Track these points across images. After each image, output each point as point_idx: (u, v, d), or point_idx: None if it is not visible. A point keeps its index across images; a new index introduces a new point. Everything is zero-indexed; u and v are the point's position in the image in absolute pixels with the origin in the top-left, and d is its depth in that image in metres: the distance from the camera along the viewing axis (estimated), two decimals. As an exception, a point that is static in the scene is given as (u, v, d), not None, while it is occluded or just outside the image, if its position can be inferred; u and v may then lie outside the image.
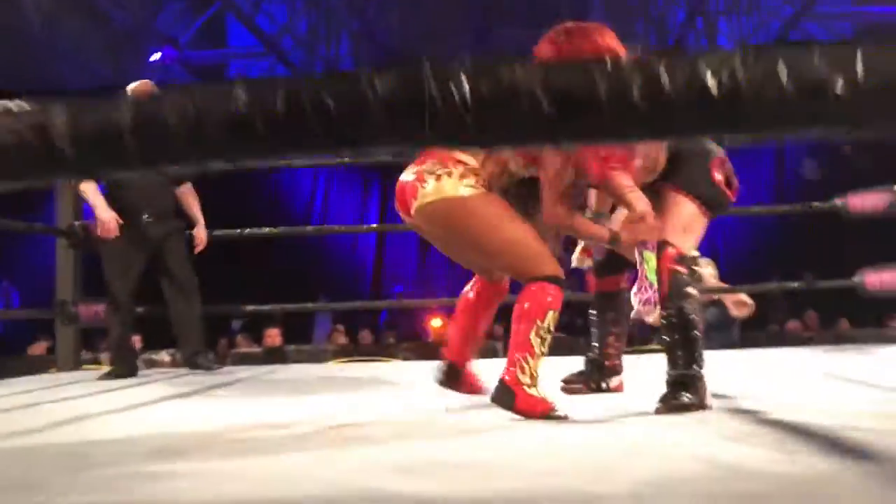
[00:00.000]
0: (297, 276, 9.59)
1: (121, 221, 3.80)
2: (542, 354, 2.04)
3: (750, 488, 1.28)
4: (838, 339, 5.39)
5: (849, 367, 3.19)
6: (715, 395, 2.20)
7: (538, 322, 2.03)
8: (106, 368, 4.08)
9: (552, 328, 2.06)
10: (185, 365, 4.07)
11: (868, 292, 4.08)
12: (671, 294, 2.15)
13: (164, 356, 6.14)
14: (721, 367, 2.74)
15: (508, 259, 2.14)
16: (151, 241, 3.89)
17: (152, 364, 5.64)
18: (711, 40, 10.65)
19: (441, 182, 2.12)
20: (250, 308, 5.16)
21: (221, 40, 11.02)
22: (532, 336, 2.02)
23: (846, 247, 6.78)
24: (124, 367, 3.78)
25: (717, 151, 2.29)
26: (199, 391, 3.08)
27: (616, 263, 2.60)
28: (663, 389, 2.14)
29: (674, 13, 10.65)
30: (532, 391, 2.02)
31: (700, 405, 2.07)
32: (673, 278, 2.16)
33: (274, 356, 6.17)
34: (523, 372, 2.02)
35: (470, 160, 2.16)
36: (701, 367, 2.13)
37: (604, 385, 2.59)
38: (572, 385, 2.60)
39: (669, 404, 2.06)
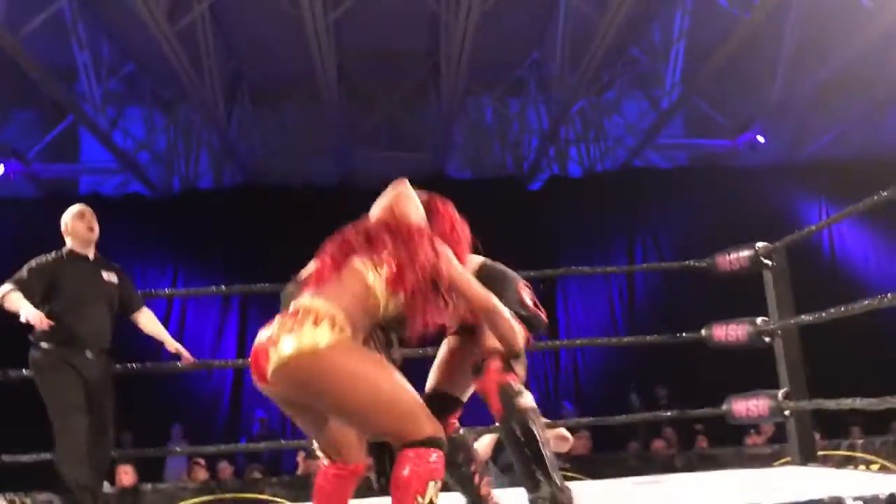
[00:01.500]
0: (149, 401, 9.02)
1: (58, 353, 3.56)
2: None
3: None
4: (701, 459, 5.57)
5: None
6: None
7: (419, 498, 1.79)
8: None
9: (434, 500, 1.82)
10: None
11: (735, 419, 4.27)
12: (506, 408, 2.17)
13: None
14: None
15: (380, 418, 1.86)
16: (89, 383, 3.61)
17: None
18: (563, 167, 11.27)
19: (295, 333, 1.87)
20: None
21: (74, 155, 10.58)
22: None
23: (701, 365, 7.12)
24: None
25: (518, 276, 2.41)
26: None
27: (446, 404, 2.50)
28: None
29: (528, 140, 11.21)
30: None
31: None
32: (503, 391, 2.18)
33: (128, 496, 5.70)
34: None
35: (326, 305, 1.94)
36: (560, 481, 2.11)
37: None
38: None
39: None
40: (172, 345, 3.94)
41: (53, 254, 3.82)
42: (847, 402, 3.65)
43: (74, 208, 3.87)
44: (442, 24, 8.19)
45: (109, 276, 3.83)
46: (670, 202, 10.16)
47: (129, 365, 4.16)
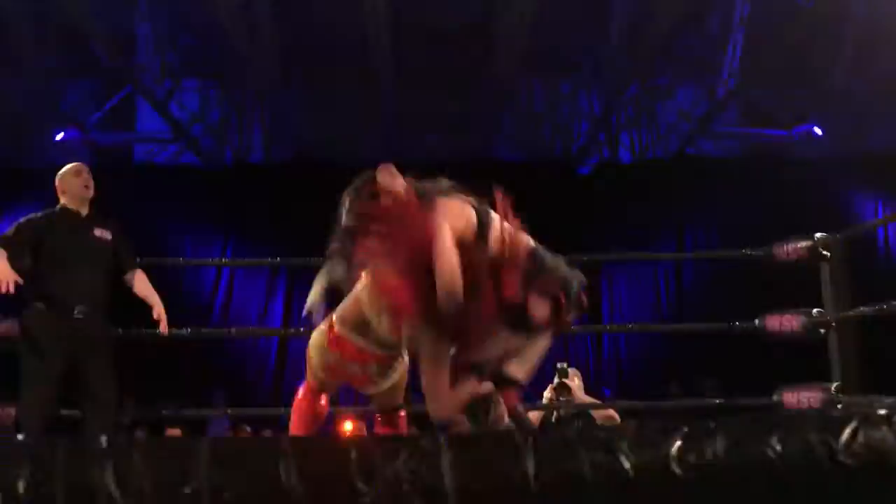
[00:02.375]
0: (194, 370, 9.21)
1: (47, 313, 3.51)
2: None
3: None
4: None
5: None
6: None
7: None
8: None
9: None
10: None
11: (785, 411, 4.23)
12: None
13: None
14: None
15: None
16: (78, 344, 3.54)
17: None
18: (613, 152, 11.17)
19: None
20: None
21: (130, 123, 10.77)
22: None
23: (749, 360, 7.04)
24: None
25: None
26: None
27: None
28: None
29: (579, 124, 11.13)
30: None
31: None
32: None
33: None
34: None
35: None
36: None
37: None
38: None
39: None
40: (158, 310, 3.72)
41: (44, 211, 3.75)
42: (903, 398, 3.60)
43: (71, 166, 3.81)
44: (498, 4, 8.15)
45: (102, 234, 3.72)
46: (722, 192, 9.99)
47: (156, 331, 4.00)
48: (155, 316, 3.71)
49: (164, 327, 3.73)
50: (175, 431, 6.45)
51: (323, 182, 10.55)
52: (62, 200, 3.75)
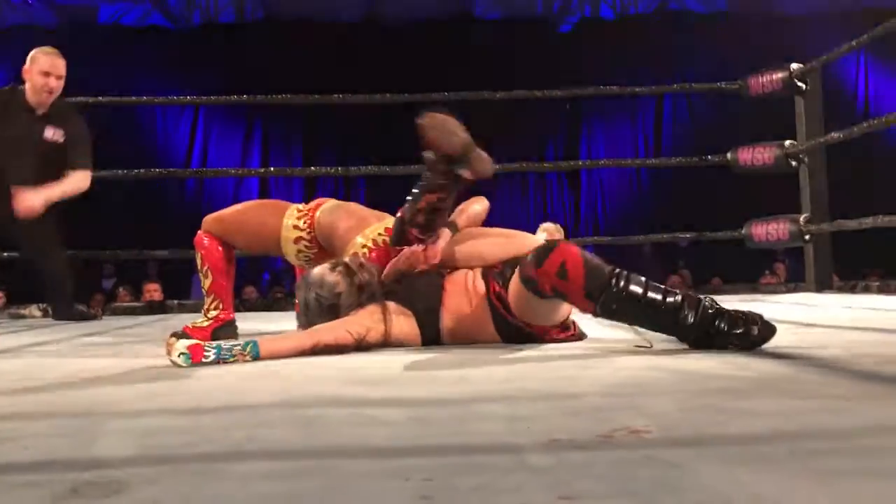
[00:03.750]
0: (175, 226, 9.19)
1: None
2: None
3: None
4: (715, 293, 5.62)
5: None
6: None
7: None
8: None
9: None
10: (56, 318, 3.79)
11: (755, 244, 4.28)
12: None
13: (34, 310, 5.75)
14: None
15: None
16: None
17: (19, 318, 5.28)
18: (594, 10, 10.86)
19: None
20: (121, 255, 4.95)
21: (93, -19, 10.32)
22: None
23: (724, 201, 7.09)
24: None
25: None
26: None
27: None
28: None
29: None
30: None
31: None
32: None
33: (155, 309, 5.88)
34: None
35: None
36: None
37: None
38: None
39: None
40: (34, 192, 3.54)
41: (9, 89, 3.67)
42: (868, 221, 3.64)
43: (44, 56, 3.61)
44: None
45: (55, 134, 3.62)
46: (705, 49, 9.80)
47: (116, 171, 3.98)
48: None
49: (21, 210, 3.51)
50: (153, 286, 6.47)
51: (296, 39, 10.34)
52: (25, 86, 3.62)
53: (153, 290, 6.47)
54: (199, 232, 2.55)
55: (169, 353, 1.77)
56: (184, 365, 1.74)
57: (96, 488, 0.77)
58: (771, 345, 1.77)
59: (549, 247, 1.83)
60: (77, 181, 3.61)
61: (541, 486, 0.75)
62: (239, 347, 1.82)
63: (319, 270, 2.12)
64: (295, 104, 6.88)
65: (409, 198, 2.08)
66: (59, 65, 3.62)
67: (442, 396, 1.30)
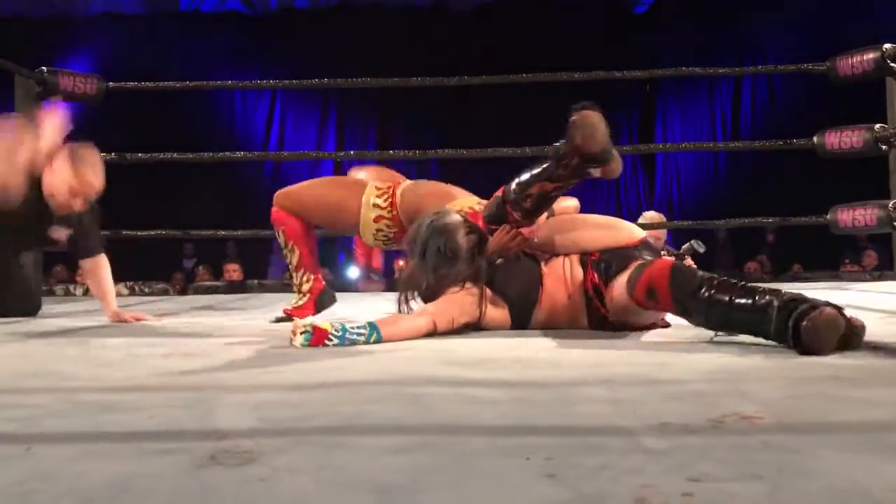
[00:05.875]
0: (253, 207, 9.38)
1: None
2: None
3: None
4: (795, 280, 5.49)
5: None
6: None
7: None
8: None
9: None
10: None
11: (840, 230, 4.15)
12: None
13: (122, 288, 5.97)
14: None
15: None
16: None
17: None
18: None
19: None
20: (201, 234, 5.08)
21: (172, -31, 10.56)
22: None
23: (809, 187, 6.89)
24: None
25: None
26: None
27: None
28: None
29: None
30: None
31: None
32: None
33: (236, 289, 6.03)
34: None
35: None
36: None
37: None
38: None
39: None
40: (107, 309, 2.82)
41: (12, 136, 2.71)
42: (965, 208, 3.50)
43: (72, 170, 2.63)
44: None
45: (59, 234, 2.83)
46: (786, 25, 9.47)
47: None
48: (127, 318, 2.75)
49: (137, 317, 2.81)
50: (233, 266, 6.64)
51: (370, 24, 10.41)
52: (45, 181, 2.69)
53: (233, 271, 6.64)
54: (273, 208, 2.51)
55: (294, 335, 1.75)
56: (300, 346, 1.73)
57: (232, 457, 0.81)
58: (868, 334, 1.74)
59: (636, 275, 1.86)
60: (107, 271, 2.87)
61: (664, 468, 0.75)
62: (363, 336, 1.79)
63: (453, 221, 2.05)
64: (370, 86, 6.91)
65: (519, 179, 2.04)
66: (94, 183, 2.70)
67: (538, 379, 1.32)
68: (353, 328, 1.79)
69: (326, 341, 1.75)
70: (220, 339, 2.05)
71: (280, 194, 2.55)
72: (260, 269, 7.84)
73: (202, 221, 5.48)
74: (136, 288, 5.63)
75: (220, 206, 8.60)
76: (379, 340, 1.81)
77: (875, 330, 1.76)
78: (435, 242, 2.00)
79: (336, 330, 1.77)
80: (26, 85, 4.17)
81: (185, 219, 5.99)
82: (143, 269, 6.12)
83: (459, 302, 1.98)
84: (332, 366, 1.51)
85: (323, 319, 1.89)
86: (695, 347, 1.67)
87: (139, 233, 4.48)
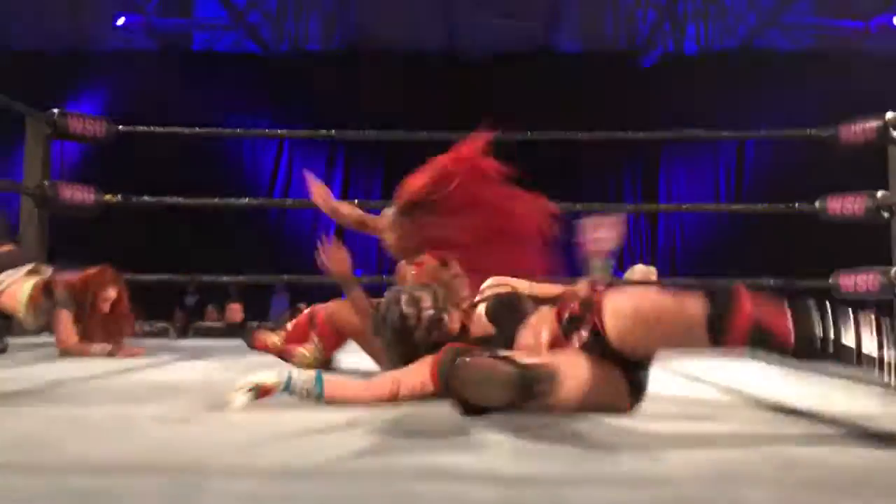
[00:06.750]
0: (256, 253, 9.43)
1: None
2: None
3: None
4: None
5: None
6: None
7: None
8: None
9: None
10: None
11: (841, 294, 4.16)
12: None
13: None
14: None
15: None
16: None
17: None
18: (678, 43, 10.79)
19: None
20: (206, 278, 5.09)
21: (187, 10, 10.75)
22: None
23: (810, 247, 6.91)
24: None
25: None
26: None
27: None
28: None
29: (644, 13, 10.74)
30: None
31: None
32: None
33: (236, 332, 6.04)
34: None
35: None
36: None
37: None
38: None
39: None
40: None
41: None
42: (966, 280, 3.51)
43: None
44: None
45: None
46: (791, 87, 9.61)
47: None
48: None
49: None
50: (235, 306, 6.65)
51: (381, 69, 10.55)
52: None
53: (235, 310, 6.66)
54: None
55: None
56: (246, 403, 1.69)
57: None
58: (860, 415, 1.73)
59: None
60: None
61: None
62: (309, 390, 1.72)
63: (414, 293, 2.00)
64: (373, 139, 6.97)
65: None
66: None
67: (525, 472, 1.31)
68: (299, 384, 1.73)
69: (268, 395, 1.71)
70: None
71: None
72: (262, 310, 7.85)
73: (205, 262, 5.51)
74: (137, 327, 5.64)
75: (223, 248, 8.65)
76: (321, 396, 1.73)
77: (868, 408, 1.76)
78: (397, 312, 1.98)
79: (282, 381, 1.72)
80: (37, 126, 4.24)
81: (188, 258, 6.03)
82: (143, 304, 6.12)
83: (421, 370, 1.85)
84: (311, 445, 1.50)
85: (269, 372, 1.83)
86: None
87: (142, 276, 4.50)
